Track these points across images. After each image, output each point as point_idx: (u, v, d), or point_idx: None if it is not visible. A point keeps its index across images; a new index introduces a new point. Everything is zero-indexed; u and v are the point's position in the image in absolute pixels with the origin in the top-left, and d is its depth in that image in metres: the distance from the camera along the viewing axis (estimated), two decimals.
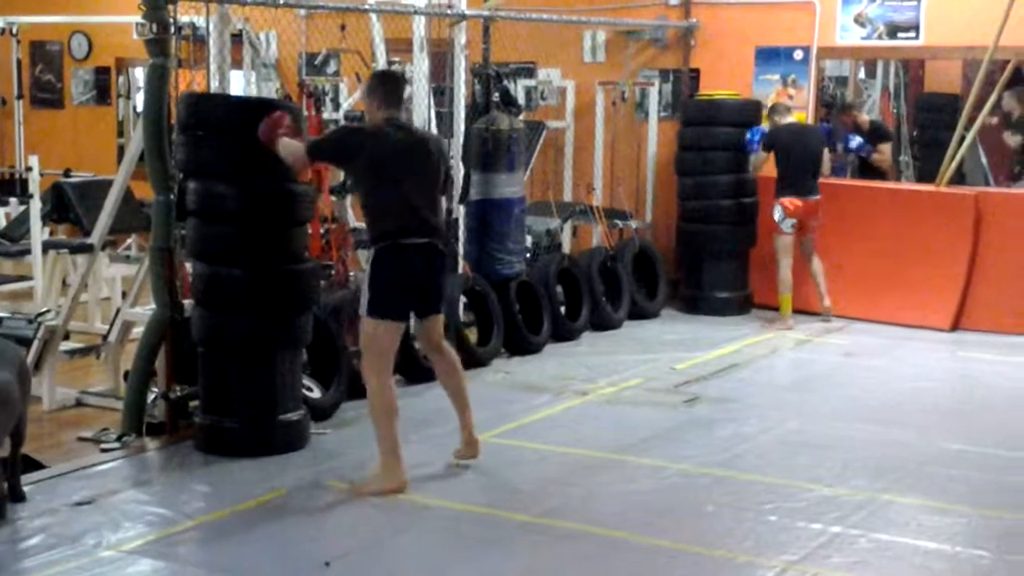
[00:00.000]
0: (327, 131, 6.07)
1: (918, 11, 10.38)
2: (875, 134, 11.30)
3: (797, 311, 10.20)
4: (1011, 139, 11.37)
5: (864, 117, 11.49)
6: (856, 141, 10.82)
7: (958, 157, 10.20)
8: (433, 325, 6.21)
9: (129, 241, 11.21)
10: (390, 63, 9.20)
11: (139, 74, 13.97)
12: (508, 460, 6.49)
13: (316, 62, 10.01)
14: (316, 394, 7.10)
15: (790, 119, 10.11)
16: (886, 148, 11.23)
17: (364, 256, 8.64)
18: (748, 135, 10.27)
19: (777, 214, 9.89)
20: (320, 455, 6.48)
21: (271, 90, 9.84)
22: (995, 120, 11.94)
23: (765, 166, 10.15)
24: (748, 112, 10.48)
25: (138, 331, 7.19)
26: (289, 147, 6.03)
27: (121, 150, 13.56)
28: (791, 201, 9.87)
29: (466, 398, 6.33)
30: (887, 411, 7.62)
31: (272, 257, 6.32)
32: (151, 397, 6.77)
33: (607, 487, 6.11)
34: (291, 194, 6.38)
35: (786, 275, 10.01)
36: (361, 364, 6.04)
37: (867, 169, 11.26)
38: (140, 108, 13.80)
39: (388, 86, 6.07)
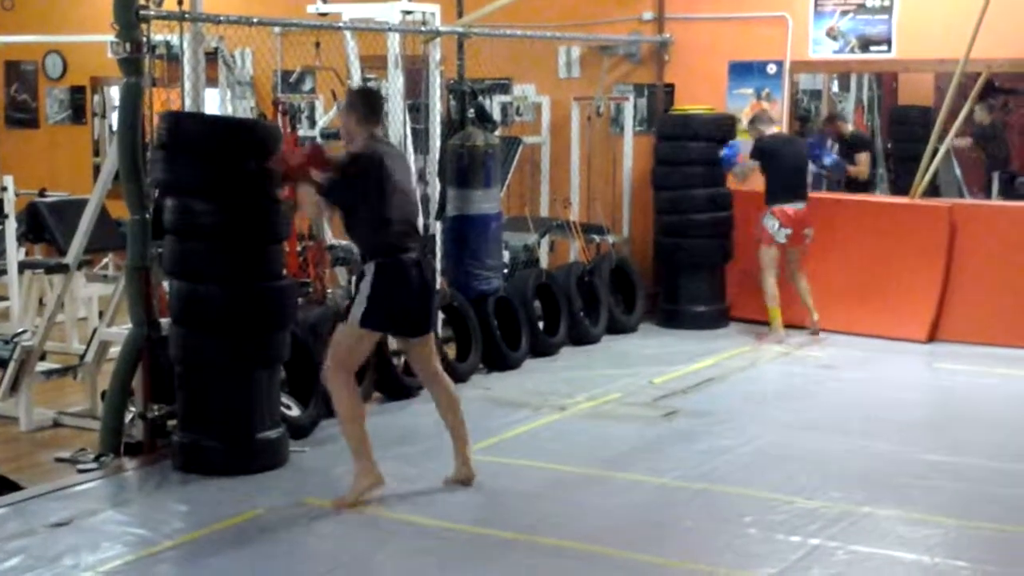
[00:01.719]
0: (333, 176, 5.94)
1: (890, 24, 10.45)
2: (853, 144, 11.37)
3: (765, 323, 10.22)
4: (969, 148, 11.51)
5: (847, 128, 11.58)
6: (831, 159, 10.87)
7: (931, 170, 10.27)
8: (427, 345, 6.23)
9: (105, 260, 11.17)
10: (365, 80, 9.21)
11: (114, 93, 13.92)
12: (488, 476, 6.47)
13: (291, 79, 10.03)
14: (294, 412, 7.08)
15: (774, 129, 10.15)
16: (863, 158, 11.29)
17: (341, 273, 8.67)
18: (725, 150, 10.30)
19: (771, 225, 9.86)
20: (299, 473, 6.46)
21: (246, 108, 9.84)
22: (968, 141, 12.06)
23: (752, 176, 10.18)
24: (723, 126, 10.52)
25: (115, 351, 7.16)
26: (310, 197, 6.00)
27: (96, 169, 13.50)
28: (783, 211, 9.88)
29: (466, 433, 6.33)
30: (865, 423, 7.65)
31: (249, 275, 6.31)
32: (128, 417, 6.74)
33: (587, 502, 6.11)
34: (268, 211, 6.37)
35: (772, 288, 10.01)
36: (327, 368, 6.03)
37: (850, 180, 11.33)
38: (115, 127, 13.83)
39: (369, 102, 6.10)
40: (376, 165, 5.90)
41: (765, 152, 9.96)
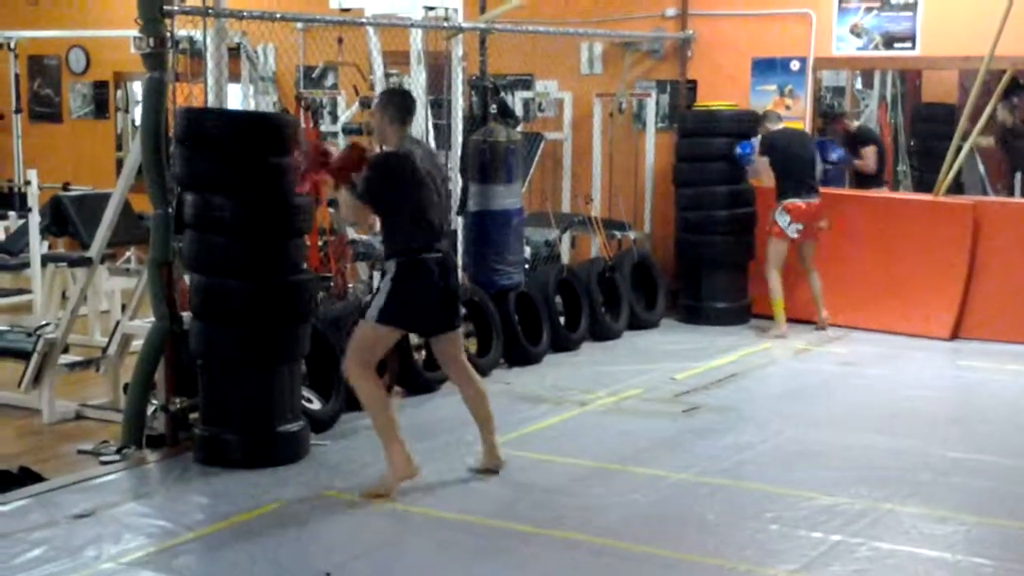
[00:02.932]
0: (368, 172, 5.91)
1: (914, 21, 10.40)
2: (859, 138, 11.33)
3: (795, 320, 10.21)
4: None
5: (853, 123, 11.53)
6: (837, 153, 10.85)
7: (955, 167, 10.21)
8: (454, 342, 6.26)
9: (128, 254, 11.22)
10: (387, 75, 9.21)
11: (137, 88, 14.00)
12: (509, 470, 6.47)
13: (314, 75, 10.04)
14: (315, 405, 7.10)
15: (781, 126, 10.12)
16: (869, 152, 11.23)
17: (362, 268, 8.69)
18: (739, 149, 10.28)
19: (782, 219, 9.87)
20: (320, 466, 6.47)
21: (269, 104, 9.86)
22: (991, 140, 11.98)
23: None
24: (745, 123, 10.48)
25: (137, 344, 7.19)
26: (350, 206, 6.00)
27: (119, 163, 13.56)
28: (795, 205, 9.87)
29: (493, 422, 6.40)
30: (887, 420, 7.62)
31: (270, 269, 6.32)
32: (151, 409, 6.77)
33: (607, 497, 6.10)
34: (289, 206, 6.38)
35: (776, 283, 10.02)
36: (347, 362, 6.07)
37: (860, 176, 11.28)
38: (138, 121, 13.88)
39: (401, 103, 6.14)
40: (405, 165, 5.90)
41: (774, 147, 9.95)
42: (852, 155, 11.26)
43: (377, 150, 6.14)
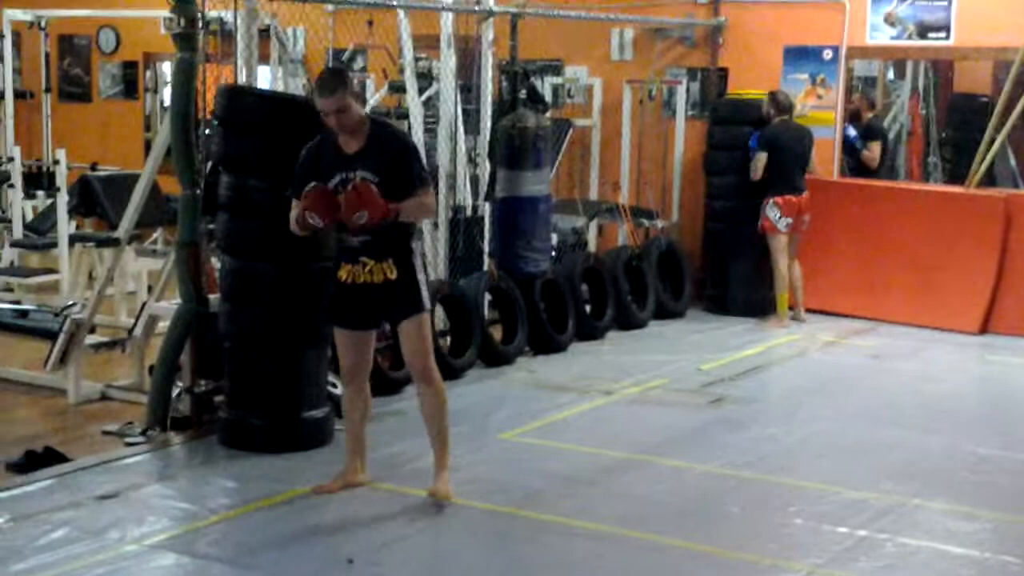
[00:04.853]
0: (411, 158, 5.53)
1: (949, 11, 10.29)
2: (868, 132, 11.24)
3: (818, 311, 10.15)
4: None
5: (867, 115, 11.42)
6: (853, 134, 10.83)
7: (988, 159, 10.11)
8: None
9: (155, 235, 11.24)
10: (416, 59, 9.17)
11: (167, 68, 14.00)
12: (532, 459, 6.47)
13: (343, 58, 10.01)
14: (339, 390, 7.06)
15: (784, 116, 10.06)
16: (875, 147, 11.16)
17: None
18: (752, 142, 10.21)
19: (773, 213, 9.93)
20: (343, 452, 6.43)
21: (297, 86, 9.83)
22: None
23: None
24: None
25: (163, 325, 7.19)
26: (417, 206, 5.50)
27: (148, 144, 13.58)
28: (786, 199, 9.93)
29: (447, 439, 5.85)
30: (915, 414, 7.56)
31: (302, 254, 6.28)
32: (176, 391, 6.77)
33: (631, 487, 6.08)
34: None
35: (784, 274, 10.03)
36: (430, 363, 5.68)
37: (860, 167, 11.19)
38: (167, 102, 13.88)
39: None
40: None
41: (774, 143, 9.94)
42: (863, 144, 11.20)
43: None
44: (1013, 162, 13.47)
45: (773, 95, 10.13)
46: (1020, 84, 10.21)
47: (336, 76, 5.62)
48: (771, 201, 9.93)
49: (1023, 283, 9.83)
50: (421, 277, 5.60)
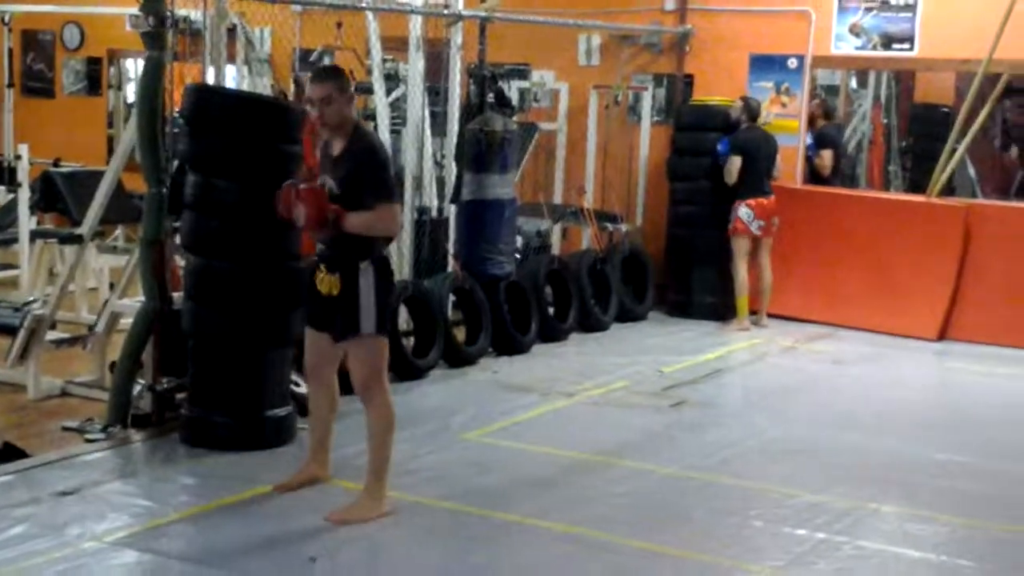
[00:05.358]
0: (375, 171, 5.37)
1: (913, 23, 10.40)
2: (820, 139, 11.37)
3: (782, 317, 10.24)
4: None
5: (820, 122, 11.54)
6: (808, 140, 10.95)
7: (949, 169, 10.24)
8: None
9: (117, 232, 11.17)
10: (384, 62, 9.18)
11: (130, 65, 13.95)
12: (493, 459, 6.49)
13: (311, 59, 10.00)
14: (303, 389, 7.06)
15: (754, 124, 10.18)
16: (826, 154, 11.30)
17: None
18: (720, 146, 10.29)
19: (746, 215, 10.05)
20: (306, 451, 6.42)
21: (264, 86, 9.82)
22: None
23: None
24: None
25: (125, 323, 7.16)
26: (367, 219, 5.31)
27: (111, 141, 13.52)
28: (757, 202, 10.07)
29: (377, 467, 5.61)
30: (873, 419, 7.64)
31: (268, 254, 6.28)
32: (137, 389, 6.74)
33: (593, 489, 6.10)
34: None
35: (744, 277, 10.16)
36: (371, 385, 5.49)
37: (815, 175, 11.31)
38: (131, 99, 13.80)
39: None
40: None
41: (744, 148, 10.07)
42: (814, 153, 11.33)
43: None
44: (972, 172, 13.65)
45: (746, 101, 10.25)
46: (982, 96, 10.33)
47: (332, 70, 5.68)
48: (743, 204, 10.05)
49: (981, 291, 9.96)
50: (366, 301, 5.35)
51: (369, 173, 5.36)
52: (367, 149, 5.41)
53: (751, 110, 10.17)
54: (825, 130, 11.58)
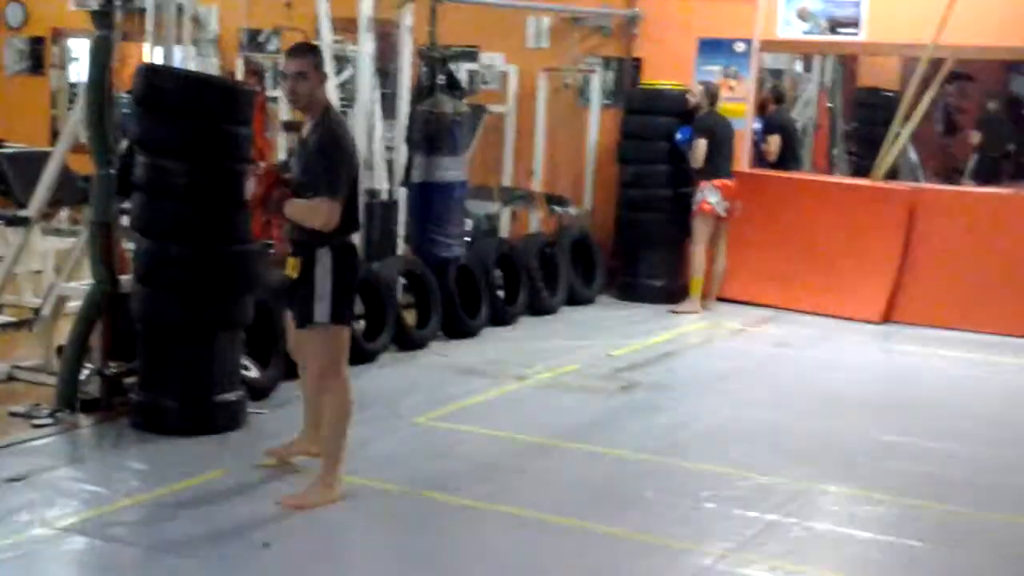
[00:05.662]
0: (324, 161, 5.27)
1: (859, 8, 10.49)
2: (767, 125, 11.51)
3: (732, 301, 10.32)
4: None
5: (771, 107, 11.69)
6: (756, 126, 11.07)
7: (894, 153, 10.35)
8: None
9: (61, 214, 11.02)
10: (335, 42, 9.12)
11: (73, 45, 13.75)
12: (446, 443, 6.50)
13: (260, 39, 9.92)
14: (253, 373, 7.04)
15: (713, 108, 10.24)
16: (773, 140, 11.44)
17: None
18: (679, 134, 10.33)
19: (713, 197, 10.09)
20: (257, 435, 6.41)
21: (211, 66, 9.72)
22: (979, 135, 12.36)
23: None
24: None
25: (72, 306, 7.08)
26: (302, 210, 5.29)
27: (54, 121, 13.33)
28: (723, 183, 10.13)
29: (330, 451, 5.57)
30: (820, 401, 7.73)
31: (218, 237, 6.23)
32: (85, 373, 6.67)
33: (544, 472, 6.13)
34: (239, 174, 6.27)
35: (701, 260, 10.19)
36: (327, 374, 5.46)
37: (763, 161, 11.43)
38: (74, 79, 13.60)
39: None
40: (352, 151, 5.47)
41: (708, 131, 10.11)
42: (762, 139, 11.45)
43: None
44: (914, 156, 13.82)
45: (707, 86, 10.30)
46: (926, 80, 10.45)
47: (310, 46, 5.67)
48: (710, 184, 10.08)
49: (925, 274, 10.09)
50: (321, 288, 5.29)
51: (319, 164, 5.28)
52: (328, 138, 5.32)
53: (712, 95, 10.21)
54: (775, 116, 11.68)
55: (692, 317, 10.11)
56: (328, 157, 5.29)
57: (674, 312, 10.21)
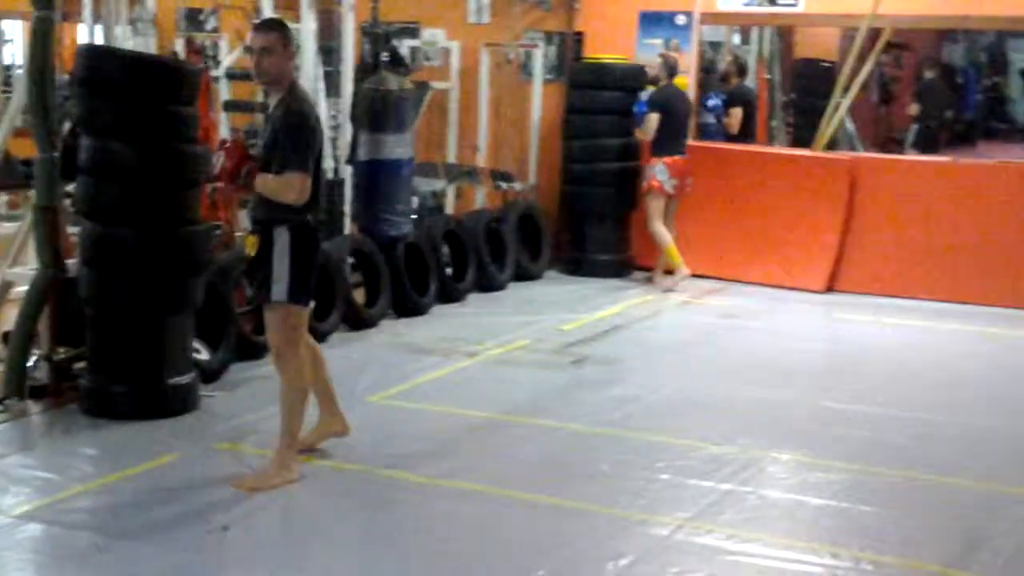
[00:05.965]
0: (292, 137, 5.25)
1: None
2: (730, 98, 11.61)
3: (670, 272, 10.35)
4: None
5: (733, 80, 11.80)
6: (714, 101, 11.13)
7: (835, 123, 10.45)
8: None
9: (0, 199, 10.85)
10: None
11: (6, 27, 13.52)
12: (400, 421, 6.51)
13: (200, 17, 9.81)
14: (204, 355, 6.99)
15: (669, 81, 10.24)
16: (736, 112, 11.54)
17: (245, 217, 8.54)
18: (636, 107, 10.34)
19: (661, 174, 10.07)
20: (210, 418, 6.39)
21: (149, 46, 9.60)
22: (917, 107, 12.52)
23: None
24: (635, 77, 10.57)
25: (17, 292, 6.98)
26: (272, 184, 5.26)
27: None
28: (673, 160, 10.09)
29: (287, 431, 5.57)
30: (768, 371, 7.81)
31: (166, 219, 6.19)
32: (32, 359, 6.59)
33: (499, 448, 6.16)
34: (186, 155, 6.24)
35: (664, 232, 10.17)
36: (283, 354, 5.45)
37: (726, 134, 11.54)
38: (8, 62, 13.39)
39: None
40: (317, 126, 5.44)
41: (663, 106, 10.09)
42: (724, 112, 11.54)
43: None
44: (851, 127, 13.97)
45: (665, 58, 10.29)
46: (864, 51, 10.56)
47: (277, 22, 5.61)
48: (660, 162, 10.08)
49: (867, 243, 10.22)
50: (279, 267, 5.29)
51: (287, 139, 5.27)
52: (294, 113, 5.30)
53: (670, 68, 10.19)
54: (738, 89, 11.75)
55: (638, 291, 10.15)
56: (298, 133, 5.27)
57: (668, 290, 10.13)
